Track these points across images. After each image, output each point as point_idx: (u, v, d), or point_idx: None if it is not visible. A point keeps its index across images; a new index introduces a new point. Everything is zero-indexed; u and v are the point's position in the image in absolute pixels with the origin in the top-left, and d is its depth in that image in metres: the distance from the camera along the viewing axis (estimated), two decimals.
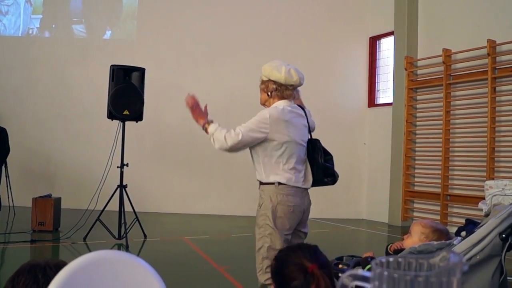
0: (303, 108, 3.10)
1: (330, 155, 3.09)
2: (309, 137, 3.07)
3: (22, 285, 1.17)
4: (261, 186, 2.93)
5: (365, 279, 0.77)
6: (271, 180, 2.86)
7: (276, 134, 2.83)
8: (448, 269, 0.72)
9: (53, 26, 9.68)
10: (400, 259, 0.78)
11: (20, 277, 1.19)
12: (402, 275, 0.70)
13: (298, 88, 3.07)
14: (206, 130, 2.91)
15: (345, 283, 0.81)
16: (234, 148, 2.84)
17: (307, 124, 3.06)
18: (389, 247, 2.54)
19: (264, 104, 3.05)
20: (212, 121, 2.92)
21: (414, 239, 2.34)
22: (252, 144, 2.87)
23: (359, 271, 0.78)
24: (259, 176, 2.93)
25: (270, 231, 2.80)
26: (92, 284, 0.79)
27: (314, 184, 3.01)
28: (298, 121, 2.97)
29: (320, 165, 2.98)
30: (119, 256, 0.84)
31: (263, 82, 3.03)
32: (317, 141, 3.08)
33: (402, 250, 2.36)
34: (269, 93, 2.98)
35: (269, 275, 2.69)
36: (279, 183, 2.84)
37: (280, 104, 2.94)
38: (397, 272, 0.70)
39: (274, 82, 2.94)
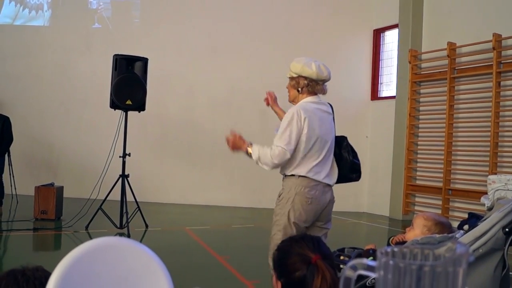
0: (331, 105, 3.13)
1: (356, 152, 3.17)
2: (337, 135, 3.13)
3: (3, 287, 1.25)
4: (284, 178, 2.99)
5: (370, 268, 0.77)
6: (294, 172, 2.91)
7: (305, 129, 2.87)
8: (454, 259, 0.71)
9: (56, 14, 9.65)
10: (405, 249, 0.77)
11: (2, 281, 1.27)
12: (408, 264, 0.69)
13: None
14: (249, 155, 2.98)
15: (348, 275, 0.80)
16: (283, 164, 2.91)
17: (333, 121, 3.09)
18: (391, 239, 2.54)
19: (293, 100, 3.08)
20: (251, 144, 3.00)
21: (416, 232, 2.33)
22: None
23: (364, 260, 0.77)
24: (284, 168, 2.96)
25: (285, 220, 2.88)
26: (96, 269, 0.78)
27: (340, 180, 3.08)
28: (325, 117, 3.01)
29: (348, 161, 3.06)
30: (123, 242, 0.84)
31: (293, 78, 3.04)
32: (344, 138, 3.16)
33: (404, 243, 2.36)
34: (299, 89, 3.01)
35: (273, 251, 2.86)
36: (300, 176, 2.89)
37: (308, 100, 2.99)
38: (403, 262, 0.70)
39: (306, 78, 2.97)
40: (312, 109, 2.94)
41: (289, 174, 2.93)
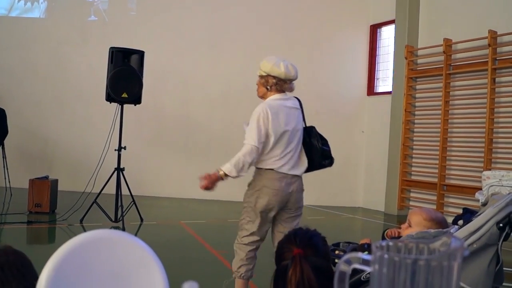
0: (298, 100, 3.34)
1: (325, 139, 3.37)
2: (304, 126, 3.31)
3: None
4: (255, 170, 3.23)
5: (365, 262, 0.77)
6: (261, 165, 3.15)
7: (271, 126, 3.08)
8: (449, 253, 0.71)
9: (52, 6, 9.58)
10: (400, 244, 0.77)
11: None
12: (403, 258, 0.69)
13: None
14: (225, 175, 3.08)
15: (342, 269, 0.80)
16: (255, 159, 3.09)
17: (301, 114, 3.30)
18: (385, 232, 2.53)
19: (262, 96, 3.28)
20: (219, 169, 3.10)
21: (414, 231, 2.31)
22: None
23: (359, 254, 0.77)
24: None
25: (251, 209, 3.16)
26: (89, 262, 0.78)
27: (313, 168, 3.27)
28: (291, 112, 3.21)
29: (318, 149, 3.25)
30: (117, 235, 0.83)
31: (262, 77, 3.25)
32: (312, 127, 3.34)
33: (399, 237, 2.36)
34: (268, 87, 3.22)
35: (241, 244, 3.23)
36: (267, 169, 3.13)
37: (276, 97, 3.20)
38: (397, 256, 0.70)
39: (274, 77, 3.18)
40: (278, 106, 3.15)
41: (258, 167, 3.17)
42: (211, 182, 3.10)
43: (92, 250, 0.78)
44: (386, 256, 0.70)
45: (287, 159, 3.14)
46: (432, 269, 0.69)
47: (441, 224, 2.33)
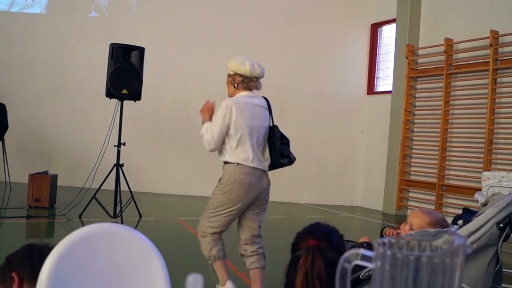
0: (266, 99, 3.49)
1: (287, 139, 3.51)
2: (271, 124, 3.45)
3: (17, 259, 1.24)
4: (224, 165, 3.35)
5: (366, 258, 0.76)
6: (231, 160, 3.28)
7: (236, 121, 3.23)
8: (452, 251, 0.71)
9: (53, 2, 9.56)
10: (402, 241, 0.77)
11: (17, 253, 1.27)
12: (405, 255, 0.69)
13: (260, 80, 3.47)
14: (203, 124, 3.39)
15: (344, 266, 0.80)
16: (215, 149, 3.34)
17: (267, 112, 3.43)
18: (384, 230, 2.52)
19: (231, 95, 3.42)
20: (210, 120, 3.37)
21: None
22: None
23: (361, 250, 0.77)
24: (221, 156, 3.37)
25: (220, 202, 3.28)
26: (90, 256, 0.78)
27: (273, 166, 3.41)
28: (257, 110, 3.35)
29: (276, 148, 3.38)
30: (118, 229, 0.83)
31: (230, 75, 3.41)
32: (275, 127, 3.46)
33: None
34: (235, 85, 3.38)
35: (205, 232, 3.29)
36: (238, 163, 3.25)
37: (243, 94, 3.35)
38: (400, 252, 0.70)
39: (241, 75, 3.35)
40: (244, 103, 3.30)
41: (229, 161, 3.30)
42: (203, 111, 3.45)
43: (93, 244, 0.77)
44: (388, 252, 0.70)
45: (254, 154, 3.28)
46: (435, 266, 0.69)
47: (443, 226, 2.32)
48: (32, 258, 1.21)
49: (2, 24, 9.38)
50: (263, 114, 3.39)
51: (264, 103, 3.45)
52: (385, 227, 2.56)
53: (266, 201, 3.42)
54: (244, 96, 3.34)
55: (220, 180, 3.36)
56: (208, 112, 3.41)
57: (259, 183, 3.29)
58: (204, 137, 3.31)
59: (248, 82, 3.36)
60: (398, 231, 2.40)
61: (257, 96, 3.44)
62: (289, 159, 3.42)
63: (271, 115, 3.47)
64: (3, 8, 9.61)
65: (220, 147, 3.32)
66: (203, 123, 3.40)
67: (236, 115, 3.22)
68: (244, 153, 3.26)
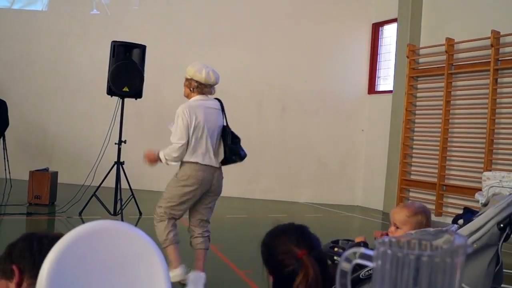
0: (219, 100, 3.81)
1: (238, 138, 3.83)
2: (224, 125, 3.79)
3: (17, 250, 1.23)
4: (181, 163, 3.67)
5: (367, 257, 0.76)
6: (186, 159, 3.60)
7: (191, 123, 3.56)
8: (452, 250, 0.71)
9: (55, 0, 9.56)
10: (403, 240, 0.77)
11: (18, 243, 1.25)
12: (406, 254, 0.69)
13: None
14: (160, 160, 3.72)
15: (344, 268, 0.80)
16: (181, 156, 3.62)
17: (220, 114, 3.77)
18: (374, 234, 2.47)
19: (187, 96, 3.77)
20: (158, 152, 3.73)
21: (405, 231, 2.27)
22: None
23: (362, 249, 0.77)
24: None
25: (172, 195, 3.62)
26: (91, 253, 0.78)
27: (226, 162, 3.75)
28: (211, 112, 3.69)
29: (228, 146, 3.71)
30: (118, 226, 0.83)
31: (187, 79, 3.73)
32: (226, 127, 3.79)
33: None
34: (191, 89, 3.71)
35: (161, 217, 3.62)
36: (192, 162, 3.59)
37: (197, 98, 3.69)
38: (401, 251, 0.70)
39: (196, 81, 3.66)
40: (198, 105, 3.63)
41: (184, 160, 3.61)
42: (152, 162, 3.79)
43: (94, 241, 0.78)
44: (389, 251, 0.70)
45: (208, 153, 3.62)
46: (436, 266, 0.69)
47: (425, 212, 2.31)
48: (32, 250, 1.20)
49: (4, 21, 9.38)
50: (216, 115, 3.73)
51: (218, 105, 3.78)
52: (376, 231, 2.53)
53: (219, 193, 3.82)
54: (198, 100, 3.67)
55: (176, 175, 3.68)
56: (153, 155, 3.77)
57: (211, 179, 3.66)
58: (167, 156, 3.62)
59: (203, 88, 3.68)
60: (386, 232, 2.36)
61: (210, 98, 3.77)
62: (240, 156, 3.77)
63: (225, 115, 3.82)
64: (4, 5, 9.60)
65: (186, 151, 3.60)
66: (159, 160, 3.72)
67: (190, 118, 3.55)
68: (199, 152, 3.58)
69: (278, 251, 1.44)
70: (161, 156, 3.66)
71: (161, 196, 3.76)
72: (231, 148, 3.73)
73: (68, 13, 9.37)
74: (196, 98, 3.69)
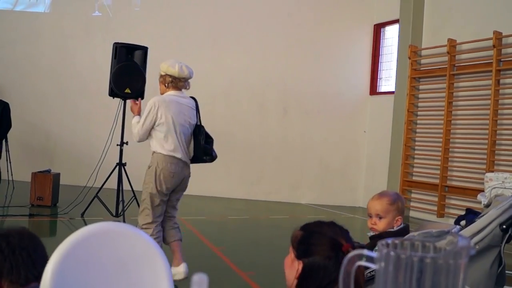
0: (194, 99, 3.90)
1: (211, 138, 3.92)
2: (198, 123, 3.86)
3: None
4: (153, 154, 3.73)
5: (370, 259, 0.76)
6: (159, 151, 3.67)
7: (162, 116, 3.62)
8: (455, 252, 0.71)
9: (56, 1, 9.57)
10: (406, 242, 0.77)
11: None
12: (409, 256, 0.69)
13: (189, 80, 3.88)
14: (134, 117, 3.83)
15: (348, 267, 0.80)
16: (140, 141, 3.76)
17: (194, 111, 3.84)
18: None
19: (162, 93, 3.81)
20: (139, 115, 3.82)
21: (389, 220, 2.26)
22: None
23: (365, 251, 0.77)
24: (152, 146, 3.74)
25: (152, 188, 3.67)
26: (94, 254, 0.78)
27: (195, 160, 3.84)
28: (184, 108, 3.75)
29: (201, 145, 3.79)
30: (121, 228, 0.83)
31: (161, 76, 3.81)
32: (201, 126, 3.87)
33: (380, 236, 2.27)
34: (166, 85, 3.78)
35: (145, 220, 3.67)
36: (164, 154, 3.66)
37: (171, 93, 3.74)
38: (404, 253, 0.70)
39: (170, 76, 3.75)
40: (171, 100, 3.69)
41: (157, 152, 3.68)
42: (134, 110, 3.87)
43: (97, 242, 0.78)
44: (392, 253, 0.70)
45: (179, 147, 3.69)
46: (439, 268, 0.69)
47: (401, 198, 2.32)
48: (3, 253, 1.14)
49: (6, 23, 9.40)
50: (189, 112, 3.80)
51: (192, 103, 3.85)
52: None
53: (185, 188, 3.91)
54: (172, 95, 3.73)
55: (149, 168, 3.74)
56: (136, 109, 3.86)
57: (182, 173, 3.74)
58: (132, 130, 3.73)
59: (177, 82, 3.75)
60: (372, 226, 2.29)
61: (186, 96, 3.84)
62: (211, 157, 3.87)
63: (199, 114, 3.90)
64: (7, 7, 9.62)
65: (146, 138, 3.73)
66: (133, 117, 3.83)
67: (161, 112, 3.62)
68: (170, 145, 3.66)
69: (322, 236, 1.38)
70: (134, 120, 3.78)
71: (141, 197, 3.81)
72: (205, 148, 3.82)
73: (70, 14, 9.39)
74: (170, 93, 3.75)
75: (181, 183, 3.81)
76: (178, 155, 3.69)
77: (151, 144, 3.76)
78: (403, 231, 2.27)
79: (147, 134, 3.70)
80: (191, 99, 3.88)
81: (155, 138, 3.69)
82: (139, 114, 3.83)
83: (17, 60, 9.23)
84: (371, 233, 2.29)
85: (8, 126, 7.11)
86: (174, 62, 3.78)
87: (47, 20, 9.43)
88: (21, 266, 1.11)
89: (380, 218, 2.24)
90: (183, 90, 3.84)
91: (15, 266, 1.11)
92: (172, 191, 3.80)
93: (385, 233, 2.22)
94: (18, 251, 1.13)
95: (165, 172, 3.65)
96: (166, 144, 3.66)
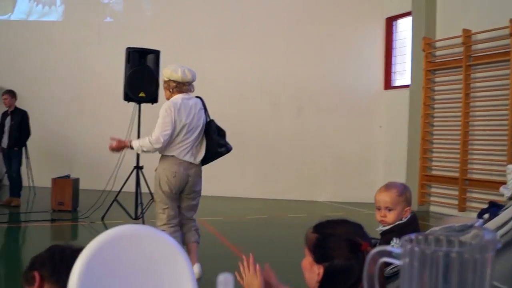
0: (201, 98, 3.96)
1: (223, 131, 3.98)
2: (208, 119, 3.93)
3: (39, 259, 1.24)
4: (160, 157, 3.85)
5: (393, 255, 0.75)
6: (165, 153, 3.79)
7: (175, 120, 3.70)
8: (482, 245, 0.69)
9: (69, 9, 9.69)
10: (430, 236, 0.75)
11: (41, 254, 1.25)
12: (434, 251, 0.68)
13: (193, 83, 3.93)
14: (131, 147, 3.91)
15: (372, 265, 0.79)
16: (162, 147, 3.76)
17: (202, 111, 3.90)
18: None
19: (168, 98, 3.88)
20: (130, 140, 3.98)
21: (398, 211, 2.23)
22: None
23: (388, 248, 0.76)
24: (160, 151, 3.82)
25: (159, 191, 3.80)
26: (119, 257, 0.78)
27: (212, 156, 3.91)
28: (192, 109, 3.81)
29: (214, 140, 3.86)
30: (144, 230, 0.83)
31: (165, 82, 3.88)
32: (211, 121, 3.94)
33: (389, 230, 2.24)
34: (170, 90, 3.84)
35: (159, 222, 3.74)
36: (170, 156, 3.76)
37: (178, 97, 3.80)
38: (429, 248, 0.68)
39: (174, 81, 3.80)
40: (180, 104, 3.75)
41: (163, 154, 3.79)
42: (119, 147, 3.98)
43: (121, 245, 0.78)
44: (416, 249, 0.69)
45: (188, 148, 3.76)
46: (465, 262, 0.67)
47: (408, 188, 2.28)
48: (53, 258, 1.22)
49: (21, 33, 9.55)
50: (198, 113, 3.86)
51: (200, 103, 3.91)
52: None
53: (196, 193, 3.95)
54: (180, 98, 3.79)
55: (156, 170, 3.87)
56: (121, 142, 4.01)
57: (184, 172, 3.78)
58: (143, 145, 3.77)
59: (181, 86, 3.81)
60: (382, 219, 2.25)
61: (192, 97, 3.90)
62: (226, 148, 3.93)
63: (206, 112, 3.96)
64: (21, 18, 9.78)
65: (168, 140, 3.74)
66: (130, 147, 3.92)
67: (174, 115, 3.69)
68: (176, 147, 3.73)
69: (338, 238, 1.33)
70: (135, 144, 3.84)
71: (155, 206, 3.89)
72: (218, 140, 3.88)
73: (83, 22, 9.50)
74: (178, 96, 3.80)
75: (188, 183, 3.84)
76: (185, 156, 3.77)
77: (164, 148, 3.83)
78: (413, 222, 2.24)
79: (169, 137, 3.72)
80: (197, 99, 3.95)
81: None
82: (124, 143, 3.95)
83: (33, 68, 9.37)
84: (381, 228, 2.26)
85: (28, 134, 7.24)
86: (176, 67, 3.84)
87: (61, 28, 9.55)
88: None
89: (390, 210, 2.22)
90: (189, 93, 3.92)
91: (57, 272, 1.18)
92: (182, 192, 3.86)
93: (395, 226, 2.19)
94: (65, 261, 1.18)
95: (167, 172, 3.74)
96: (172, 145, 3.74)
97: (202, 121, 3.88)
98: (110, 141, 4.00)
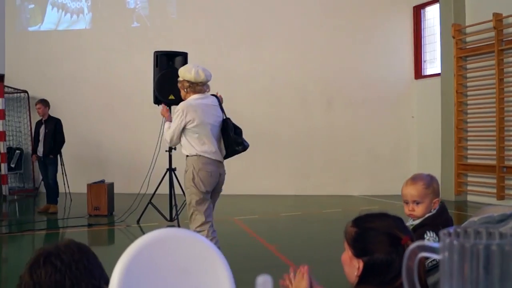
0: (216, 96, 4.01)
1: (240, 129, 3.99)
2: (224, 117, 3.95)
3: (45, 278, 1.11)
4: (186, 158, 3.84)
5: (432, 250, 0.74)
6: (193, 153, 3.77)
7: (195, 119, 3.72)
8: None
9: (96, 17, 9.90)
10: (469, 229, 0.74)
11: (38, 271, 1.12)
12: (474, 244, 0.66)
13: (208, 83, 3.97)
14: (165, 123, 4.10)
15: (410, 260, 0.78)
16: (173, 145, 4.11)
17: (218, 109, 3.94)
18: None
19: (184, 98, 3.91)
20: (170, 121, 4.02)
21: (427, 204, 2.16)
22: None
23: (426, 242, 0.75)
24: (184, 150, 3.85)
25: (193, 190, 3.74)
26: (157, 261, 0.80)
27: (229, 154, 3.92)
28: (209, 108, 3.85)
29: (231, 138, 3.88)
30: (181, 234, 0.84)
31: (180, 82, 3.91)
32: (228, 119, 3.96)
33: (420, 224, 2.18)
34: (185, 90, 3.87)
35: (197, 223, 3.70)
36: (198, 155, 3.75)
37: (195, 97, 3.83)
38: (468, 241, 0.67)
39: (187, 81, 3.83)
40: (197, 104, 3.79)
41: (192, 154, 3.78)
42: (164, 114, 4.27)
43: (159, 249, 0.79)
44: (455, 242, 0.68)
45: (211, 147, 3.79)
46: (506, 254, 0.66)
47: (435, 178, 2.21)
48: (61, 271, 1.11)
49: (51, 43, 9.82)
50: (214, 111, 3.90)
51: (215, 101, 3.95)
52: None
53: (221, 189, 4.00)
54: (196, 99, 3.82)
55: (186, 172, 3.82)
56: (166, 113, 4.23)
57: (217, 171, 3.83)
58: (164, 134, 3.94)
59: (194, 86, 3.83)
60: (411, 213, 2.19)
61: (207, 96, 3.93)
62: (243, 146, 3.93)
63: (223, 110, 3.99)
64: (50, 28, 10.05)
65: (178, 142, 3.87)
66: (166, 121, 4.10)
67: (191, 116, 3.72)
68: (204, 146, 3.76)
69: (377, 232, 1.32)
70: (166, 126, 3.96)
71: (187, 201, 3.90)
72: (235, 138, 3.90)
73: (111, 28, 9.69)
74: (194, 97, 3.84)
75: (218, 183, 3.89)
76: (212, 155, 3.79)
77: (184, 148, 3.86)
78: (443, 212, 2.18)
79: (178, 139, 3.82)
80: (213, 97, 3.99)
81: (189, 141, 3.78)
82: (169, 118, 4.09)
83: (64, 77, 9.61)
84: (411, 222, 2.20)
85: (62, 141, 7.42)
86: (191, 67, 3.87)
87: (89, 36, 9.77)
88: (81, 279, 1.11)
89: (418, 203, 2.17)
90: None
91: (76, 282, 1.11)
92: (213, 190, 3.89)
93: (426, 219, 2.14)
94: (74, 266, 1.13)
95: (203, 172, 3.74)
96: (200, 145, 3.76)
97: (219, 119, 3.93)
98: (163, 108, 4.35)
